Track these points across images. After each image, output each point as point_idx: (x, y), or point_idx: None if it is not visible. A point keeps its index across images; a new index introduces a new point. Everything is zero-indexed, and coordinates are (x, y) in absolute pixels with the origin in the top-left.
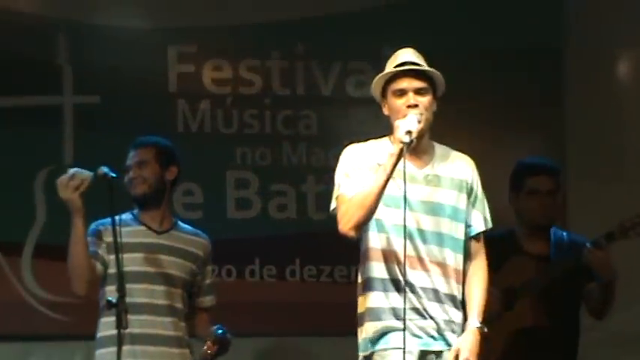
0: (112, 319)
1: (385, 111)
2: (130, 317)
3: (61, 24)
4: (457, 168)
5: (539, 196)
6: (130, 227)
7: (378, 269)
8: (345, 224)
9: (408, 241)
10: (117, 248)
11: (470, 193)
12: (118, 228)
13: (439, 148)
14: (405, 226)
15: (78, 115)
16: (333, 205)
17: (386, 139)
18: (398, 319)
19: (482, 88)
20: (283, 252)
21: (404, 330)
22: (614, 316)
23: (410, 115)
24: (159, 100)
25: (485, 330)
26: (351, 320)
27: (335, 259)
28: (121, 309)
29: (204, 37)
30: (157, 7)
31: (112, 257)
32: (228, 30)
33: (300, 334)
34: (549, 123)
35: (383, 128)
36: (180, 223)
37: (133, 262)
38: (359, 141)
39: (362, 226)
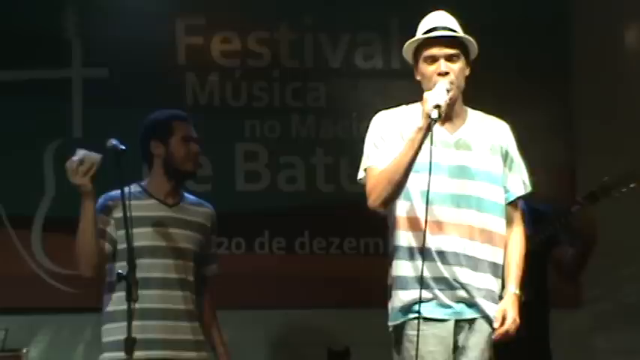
0: (121, 293)
1: (417, 76)
2: (141, 292)
3: None
4: (490, 132)
5: None
6: (140, 201)
7: (404, 237)
8: (375, 200)
9: (438, 207)
10: (126, 223)
11: (505, 157)
12: (127, 202)
13: (472, 113)
14: (428, 193)
15: (87, 88)
16: (361, 175)
17: (418, 104)
18: (426, 289)
19: (491, 61)
20: (292, 224)
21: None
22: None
23: (439, 85)
24: (167, 72)
25: (523, 298)
26: (360, 293)
27: (344, 231)
28: (131, 281)
29: (213, 9)
30: None
31: (121, 233)
32: (237, 2)
33: (309, 307)
34: (557, 97)
35: (392, 100)
36: (186, 195)
37: (144, 237)
38: (388, 108)
39: (391, 201)
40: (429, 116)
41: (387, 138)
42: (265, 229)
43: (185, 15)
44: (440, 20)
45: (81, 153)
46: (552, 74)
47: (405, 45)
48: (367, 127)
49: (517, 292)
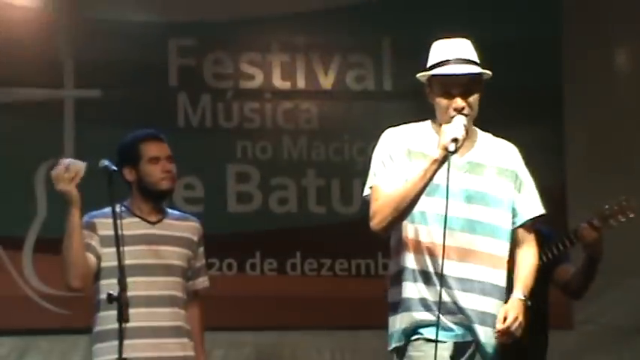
0: (111, 312)
1: (429, 99)
2: (130, 311)
3: (63, 18)
4: (500, 155)
5: None
6: (123, 220)
7: (409, 260)
8: (378, 224)
9: (442, 230)
10: (118, 241)
11: (515, 180)
12: (118, 221)
13: (482, 135)
14: (445, 217)
15: (79, 108)
16: (366, 192)
17: (427, 123)
18: (429, 311)
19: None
20: (284, 246)
21: (437, 323)
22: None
23: (456, 120)
24: (159, 93)
25: (529, 304)
26: (352, 314)
27: (335, 252)
28: (122, 302)
29: (205, 31)
30: (158, 0)
31: (106, 250)
32: (229, 23)
33: (301, 328)
34: (548, 118)
35: (384, 121)
36: (169, 211)
37: (131, 255)
38: (379, 132)
39: (394, 227)
40: (447, 149)
41: (394, 157)
42: (257, 250)
43: (177, 37)
44: (455, 50)
45: (66, 161)
46: (543, 95)
47: (419, 74)
48: (359, 149)
49: (522, 297)
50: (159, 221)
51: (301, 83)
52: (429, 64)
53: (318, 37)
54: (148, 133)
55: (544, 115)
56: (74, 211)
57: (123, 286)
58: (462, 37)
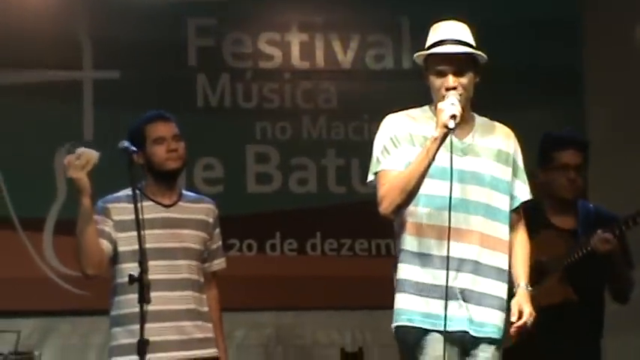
0: (129, 296)
1: (426, 81)
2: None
3: None
4: (498, 139)
5: (568, 170)
6: (139, 203)
7: (410, 242)
8: (387, 207)
9: (446, 212)
10: (139, 224)
11: (513, 164)
12: (129, 205)
13: (480, 119)
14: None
15: (98, 90)
16: (370, 178)
17: (425, 108)
18: (422, 296)
19: (500, 59)
20: (304, 226)
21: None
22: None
23: (450, 98)
24: (178, 74)
25: (534, 293)
26: (372, 294)
27: (355, 232)
28: (144, 283)
29: (224, 11)
30: None
31: (122, 235)
32: (248, 3)
33: (321, 308)
34: (568, 102)
35: (403, 101)
36: (185, 192)
37: (146, 239)
38: (398, 110)
39: (403, 208)
40: (446, 126)
41: (397, 141)
42: (277, 231)
43: (196, 16)
44: (449, 31)
45: (79, 150)
46: (562, 76)
47: (415, 55)
48: (378, 129)
49: (529, 288)
50: (174, 204)
51: (320, 63)
52: (426, 46)
53: (336, 17)
54: (153, 114)
55: (564, 96)
56: (85, 200)
57: (144, 268)
58: (482, 16)
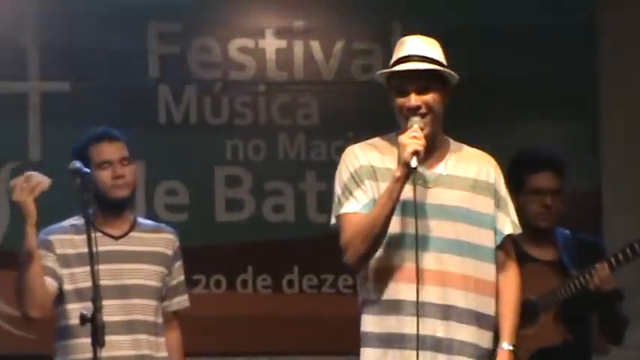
0: (80, 340)
1: (391, 103)
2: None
3: (26, 1)
4: (475, 167)
5: (544, 196)
6: (82, 235)
7: (375, 289)
8: (351, 257)
9: (409, 252)
10: (92, 255)
11: (494, 195)
12: (76, 236)
13: (455, 145)
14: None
15: (45, 104)
16: (332, 221)
17: (392, 135)
18: (394, 348)
19: (507, 69)
20: (280, 260)
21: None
22: None
23: (413, 129)
24: (137, 86)
25: (520, 354)
26: (358, 337)
27: (338, 267)
28: (98, 324)
29: (190, 14)
30: None
31: (65, 271)
32: (217, 6)
33: (299, 353)
34: (581, 109)
35: (392, 117)
36: (140, 221)
37: (86, 277)
38: (360, 140)
39: (370, 258)
40: (408, 165)
41: (358, 178)
42: (249, 265)
43: (158, 21)
44: (415, 47)
45: (28, 172)
46: (576, 88)
47: (377, 73)
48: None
49: (511, 348)
50: (124, 235)
51: (299, 73)
52: (390, 63)
53: (318, 21)
54: (98, 133)
55: (577, 110)
56: (29, 229)
57: (97, 306)
58: (484, 21)
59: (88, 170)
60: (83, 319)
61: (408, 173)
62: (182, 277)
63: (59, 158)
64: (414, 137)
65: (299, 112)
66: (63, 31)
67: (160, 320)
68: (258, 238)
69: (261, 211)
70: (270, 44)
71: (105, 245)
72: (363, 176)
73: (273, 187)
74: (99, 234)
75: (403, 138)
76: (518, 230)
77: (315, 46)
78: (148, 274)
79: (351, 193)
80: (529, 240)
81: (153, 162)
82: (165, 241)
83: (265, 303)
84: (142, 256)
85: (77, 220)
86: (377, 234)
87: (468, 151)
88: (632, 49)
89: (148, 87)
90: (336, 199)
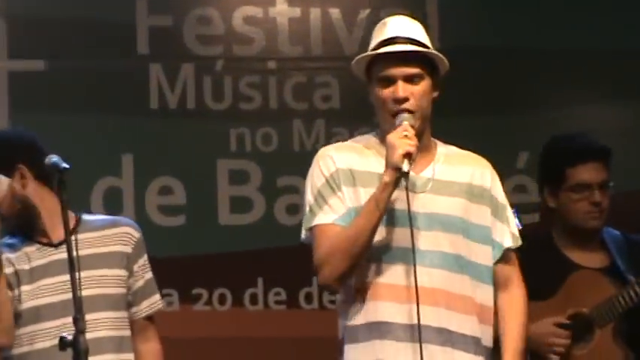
0: None
1: (371, 98)
2: None
3: None
4: (468, 170)
5: (591, 191)
6: (21, 250)
7: (361, 313)
8: (328, 276)
9: (399, 268)
10: (72, 266)
11: (491, 202)
12: (26, 249)
13: (444, 148)
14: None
15: (15, 85)
16: (303, 235)
17: (371, 136)
18: None
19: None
20: (295, 270)
21: None
22: None
23: (402, 126)
24: (124, 65)
25: (583, 352)
26: None
27: None
28: (81, 349)
29: None
30: None
31: (22, 289)
32: None
33: None
34: None
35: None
36: (86, 217)
37: (31, 295)
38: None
39: (350, 276)
40: (398, 169)
41: (334, 184)
42: (259, 277)
43: None
44: (400, 29)
45: None
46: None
47: (355, 60)
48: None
49: None
50: (63, 241)
51: (317, 48)
52: (369, 48)
53: None
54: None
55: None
56: None
57: (81, 327)
58: None
59: (67, 165)
60: (63, 344)
61: (399, 178)
62: (149, 275)
63: None
64: (405, 137)
65: (317, 93)
66: (36, 3)
67: (127, 333)
68: (270, 245)
69: (273, 212)
70: (282, 13)
71: (45, 257)
72: (340, 182)
73: (287, 184)
74: (35, 245)
75: (392, 138)
76: (519, 243)
77: (336, 14)
78: (102, 281)
79: (325, 201)
80: (573, 244)
81: (143, 155)
82: (120, 237)
83: (279, 321)
84: (92, 260)
85: (9, 238)
86: (360, 249)
87: (459, 152)
88: None
89: (137, 66)
90: (307, 209)
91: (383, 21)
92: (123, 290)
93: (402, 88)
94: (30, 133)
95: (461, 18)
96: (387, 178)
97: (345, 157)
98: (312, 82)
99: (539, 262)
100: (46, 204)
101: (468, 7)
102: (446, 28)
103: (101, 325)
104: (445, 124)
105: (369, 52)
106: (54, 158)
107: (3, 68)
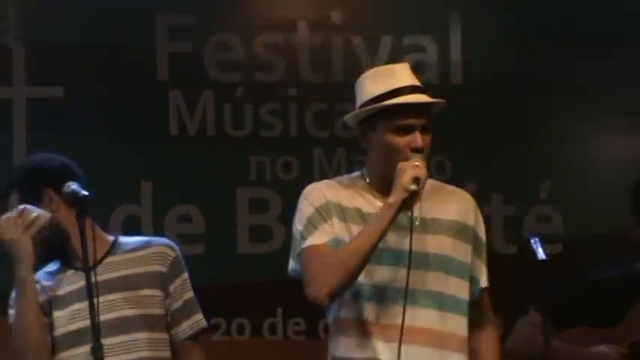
0: None
1: (364, 142)
2: None
3: None
4: (454, 208)
5: None
6: (57, 276)
7: (349, 347)
8: (319, 289)
9: (391, 307)
10: (90, 292)
11: (474, 239)
12: (48, 283)
13: (429, 184)
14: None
15: (34, 112)
16: (292, 265)
17: (356, 176)
18: None
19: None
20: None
21: None
22: None
23: (413, 159)
24: (144, 91)
25: None
26: None
27: None
28: None
29: (206, 4)
30: None
31: (54, 315)
32: None
33: None
34: None
35: (449, 126)
36: (122, 239)
37: (62, 322)
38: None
39: (342, 292)
40: (407, 190)
41: (325, 214)
42: (278, 307)
43: (168, 13)
44: (409, 78)
45: (21, 207)
46: None
47: (366, 109)
48: None
49: None
50: (99, 262)
51: (338, 74)
52: (367, 97)
53: (361, 12)
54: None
55: None
56: (26, 273)
57: (98, 356)
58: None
59: (86, 193)
60: None
61: (405, 200)
62: (190, 295)
63: None
64: (415, 166)
65: (338, 121)
66: (54, 29)
67: (165, 354)
68: (289, 275)
69: None
70: (303, 39)
71: (77, 282)
72: (331, 213)
73: None
74: (70, 270)
75: (404, 164)
76: (486, 283)
77: (357, 40)
78: (136, 302)
79: (315, 227)
80: None
81: (162, 183)
82: (156, 257)
83: (298, 352)
84: (126, 281)
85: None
86: (357, 263)
87: (444, 189)
88: None
89: (156, 92)
90: (297, 237)
91: (388, 67)
92: (160, 311)
93: (420, 139)
94: (60, 157)
95: (485, 45)
96: (392, 200)
97: (335, 192)
98: (333, 109)
99: (618, 288)
100: (77, 229)
101: (492, 34)
102: (470, 55)
103: (138, 346)
104: (470, 151)
105: (389, 102)
106: (73, 185)
107: (20, 94)
